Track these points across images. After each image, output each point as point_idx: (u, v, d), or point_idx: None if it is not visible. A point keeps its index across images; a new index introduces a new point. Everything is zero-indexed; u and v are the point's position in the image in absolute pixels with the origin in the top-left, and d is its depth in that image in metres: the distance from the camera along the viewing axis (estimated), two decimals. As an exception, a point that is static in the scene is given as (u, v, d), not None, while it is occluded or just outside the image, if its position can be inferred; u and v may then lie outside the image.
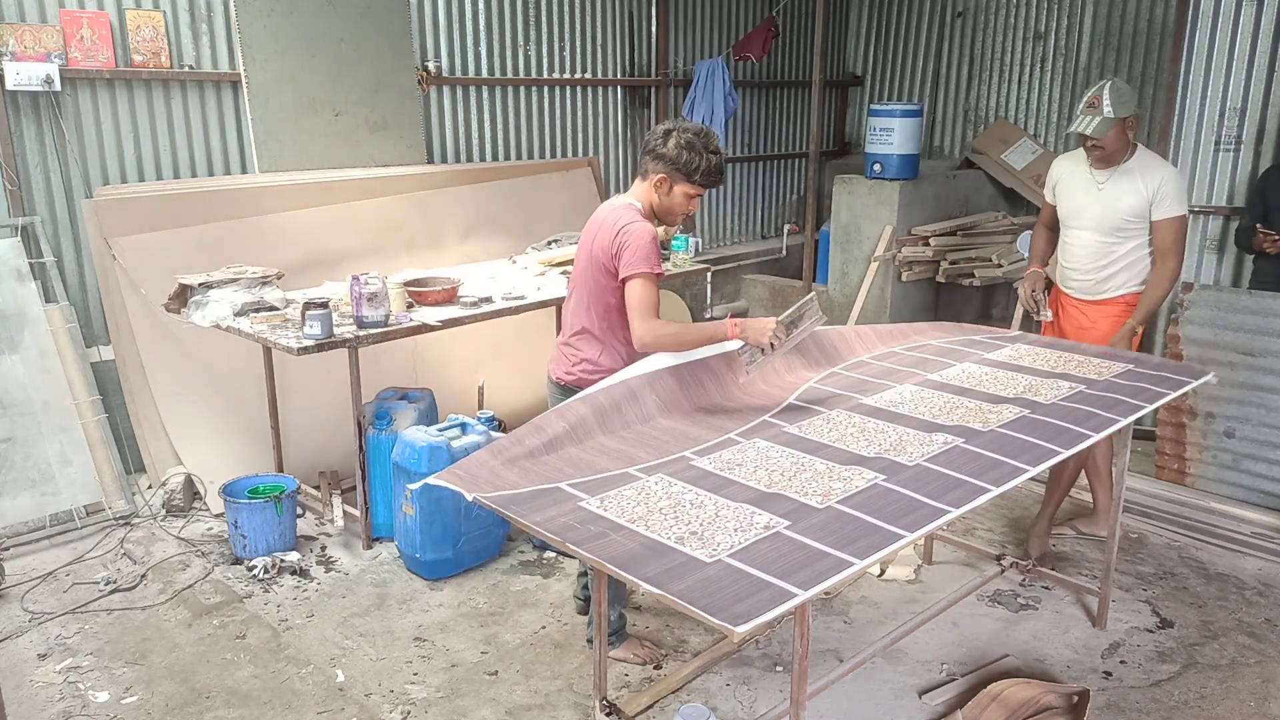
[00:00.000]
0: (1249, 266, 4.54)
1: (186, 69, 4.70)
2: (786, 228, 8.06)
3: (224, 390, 4.49)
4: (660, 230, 3.15)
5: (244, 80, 4.82)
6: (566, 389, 3.05)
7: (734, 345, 2.97)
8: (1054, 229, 3.95)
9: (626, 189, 3.09)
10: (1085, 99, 3.57)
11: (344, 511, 4.13)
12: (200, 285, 3.88)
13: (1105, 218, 3.66)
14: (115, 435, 4.32)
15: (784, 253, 7.83)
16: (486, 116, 5.99)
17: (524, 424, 2.61)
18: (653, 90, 6.96)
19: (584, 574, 3.44)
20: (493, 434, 3.83)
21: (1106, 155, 3.60)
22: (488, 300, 4.18)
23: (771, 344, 2.81)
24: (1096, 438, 2.66)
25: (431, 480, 2.33)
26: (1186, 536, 4.13)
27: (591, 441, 2.58)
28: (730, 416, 2.78)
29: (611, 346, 3.03)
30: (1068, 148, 6.89)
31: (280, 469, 4.35)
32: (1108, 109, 3.49)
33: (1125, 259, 3.69)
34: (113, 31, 4.46)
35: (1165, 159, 3.68)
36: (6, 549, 3.85)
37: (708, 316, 7.15)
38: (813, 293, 3.03)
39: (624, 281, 2.88)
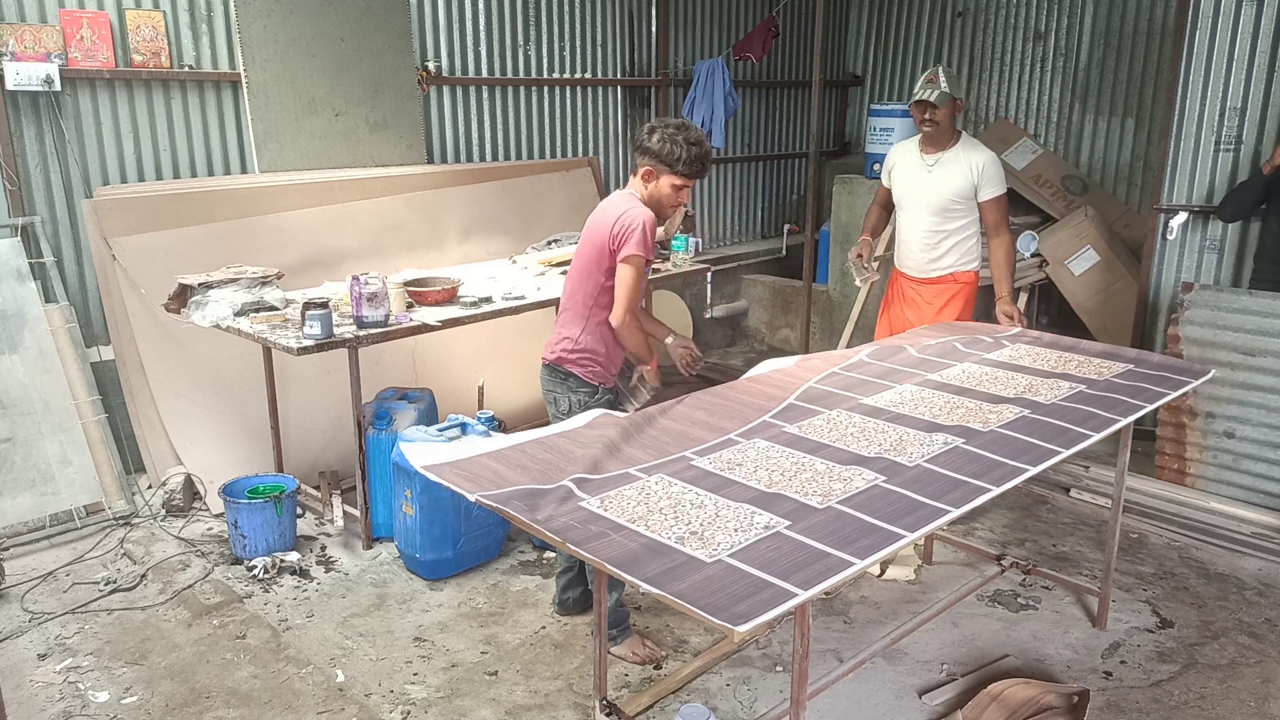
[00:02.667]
0: (1249, 266, 4.54)
1: (186, 69, 4.70)
2: (786, 228, 8.05)
3: (224, 390, 4.49)
4: (660, 230, 3.23)
5: (244, 80, 4.83)
6: (549, 367, 3.24)
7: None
8: (886, 208, 4.39)
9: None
10: (924, 76, 3.98)
11: (344, 511, 4.13)
12: (200, 285, 3.88)
13: (935, 199, 4.04)
14: (115, 435, 4.32)
15: (784, 253, 7.82)
16: (486, 116, 5.99)
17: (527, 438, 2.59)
18: (653, 90, 6.95)
19: (564, 572, 3.44)
20: (493, 434, 3.82)
21: (937, 132, 3.99)
22: (488, 300, 4.18)
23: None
24: (1096, 437, 2.66)
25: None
26: (1186, 536, 4.13)
27: (593, 437, 2.57)
28: (730, 417, 2.78)
29: (592, 327, 3.16)
30: (1079, 142, 6.95)
31: (280, 469, 4.35)
32: (944, 84, 3.90)
33: (953, 238, 4.09)
34: (113, 31, 4.46)
35: (986, 147, 4.11)
36: (6, 549, 3.85)
37: (708, 317, 7.16)
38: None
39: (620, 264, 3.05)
